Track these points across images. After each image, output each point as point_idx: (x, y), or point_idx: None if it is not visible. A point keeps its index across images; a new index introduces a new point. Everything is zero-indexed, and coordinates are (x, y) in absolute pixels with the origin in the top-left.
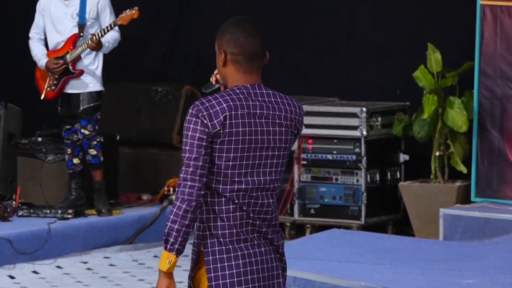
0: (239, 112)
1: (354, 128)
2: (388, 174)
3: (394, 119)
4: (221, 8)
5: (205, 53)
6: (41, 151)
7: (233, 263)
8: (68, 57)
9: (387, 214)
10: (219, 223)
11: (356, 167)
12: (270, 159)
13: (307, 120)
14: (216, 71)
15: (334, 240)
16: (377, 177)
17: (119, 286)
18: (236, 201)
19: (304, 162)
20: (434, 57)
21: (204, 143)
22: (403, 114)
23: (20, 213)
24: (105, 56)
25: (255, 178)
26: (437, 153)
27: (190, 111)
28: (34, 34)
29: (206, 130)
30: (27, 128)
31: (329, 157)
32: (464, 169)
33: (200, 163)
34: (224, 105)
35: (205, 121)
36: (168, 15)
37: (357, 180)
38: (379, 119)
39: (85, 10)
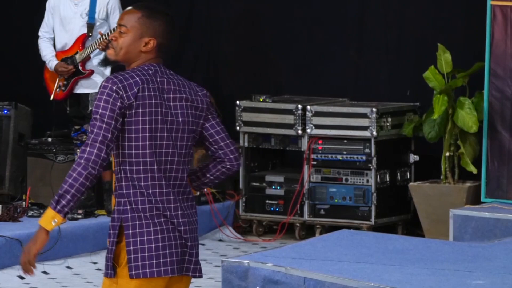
0: (150, 86)
1: (364, 128)
2: (398, 174)
3: (404, 119)
4: (232, 7)
5: (215, 53)
6: (51, 152)
7: (152, 237)
8: (78, 57)
9: (397, 215)
10: (139, 198)
11: (366, 167)
12: (181, 132)
13: (317, 120)
14: (112, 40)
15: (344, 241)
16: (387, 177)
17: None
18: (155, 175)
19: (314, 163)
20: (444, 57)
21: (116, 114)
22: (413, 115)
23: (30, 214)
24: None
25: (169, 151)
26: (447, 154)
27: (104, 84)
28: (44, 33)
29: (121, 101)
30: (37, 128)
31: (339, 157)
32: (474, 170)
33: (110, 134)
34: (137, 78)
35: (121, 93)
36: (178, 15)
37: (367, 181)
38: (389, 119)
39: (94, 10)
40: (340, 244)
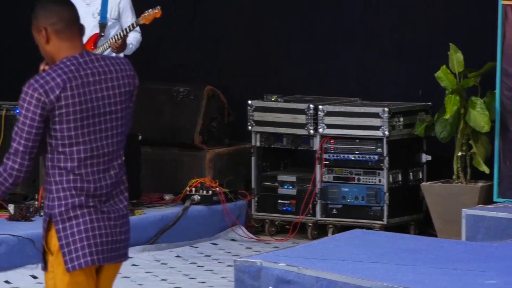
0: (73, 84)
1: (376, 128)
2: (410, 174)
3: (416, 119)
4: (238, 6)
5: (225, 53)
6: None
7: (82, 227)
8: None
9: (410, 215)
10: (67, 193)
11: (378, 167)
12: (109, 122)
13: (329, 120)
14: (43, 65)
15: (356, 241)
16: (399, 177)
17: (141, 286)
18: (82, 171)
19: (326, 162)
20: (456, 57)
21: (38, 121)
22: (425, 114)
23: (42, 213)
24: (125, 56)
25: (97, 144)
26: (459, 153)
27: (26, 90)
28: None
29: (43, 106)
30: None
31: (351, 157)
32: (486, 169)
33: (31, 143)
34: (58, 79)
35: (42, 98)
36: (185, 14)
37: (379, 180)
38: (401, 119)
39: (106, 10)
40: (353, 244)
